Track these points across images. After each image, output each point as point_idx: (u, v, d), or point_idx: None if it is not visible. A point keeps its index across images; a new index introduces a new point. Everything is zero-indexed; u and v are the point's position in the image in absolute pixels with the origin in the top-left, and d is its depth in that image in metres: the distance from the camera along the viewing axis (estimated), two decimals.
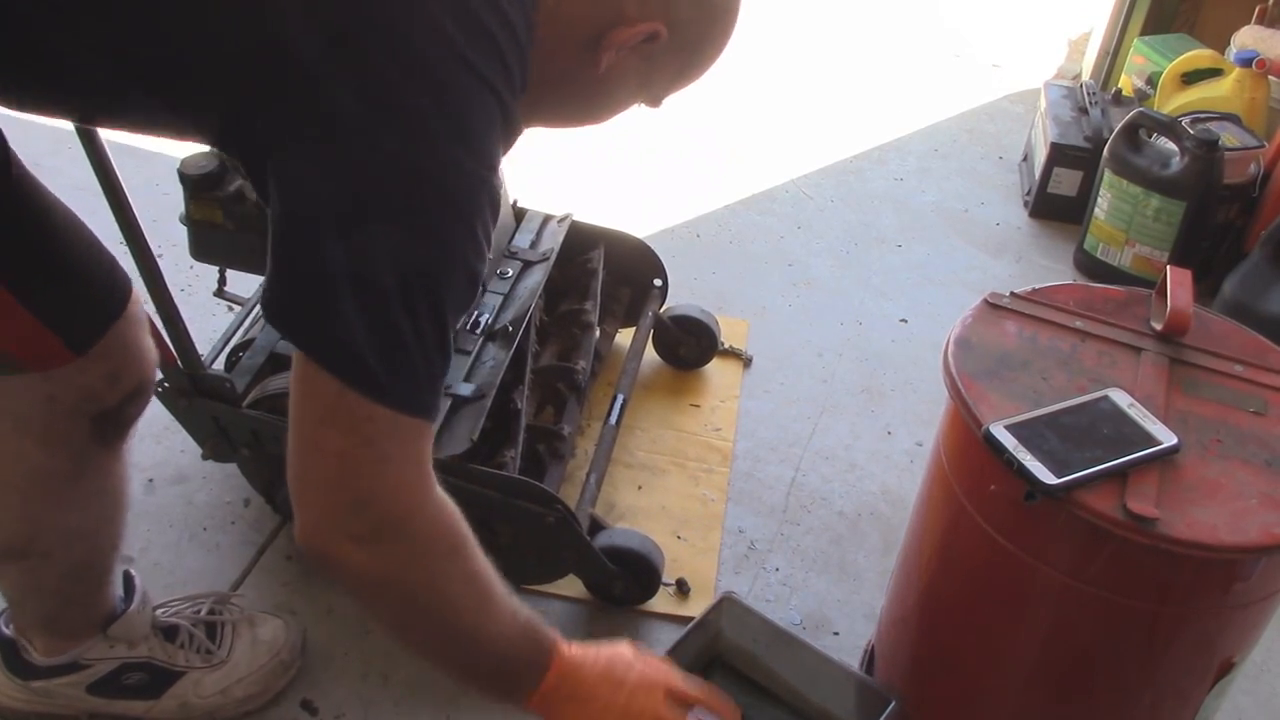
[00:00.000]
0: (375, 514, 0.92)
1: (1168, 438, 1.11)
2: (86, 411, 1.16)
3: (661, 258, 2.00)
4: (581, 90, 1.03)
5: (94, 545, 1.29)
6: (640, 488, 1.84)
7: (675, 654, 1.39)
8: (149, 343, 1.21)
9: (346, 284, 0.86)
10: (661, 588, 1.65)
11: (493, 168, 0.92)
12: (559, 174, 2.61)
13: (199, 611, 1.46)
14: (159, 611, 1.43)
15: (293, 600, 1.59)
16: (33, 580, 1.29)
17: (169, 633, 1.42)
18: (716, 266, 2.41)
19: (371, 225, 0.86)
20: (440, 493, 0.97)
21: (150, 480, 1.73)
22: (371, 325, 0.87)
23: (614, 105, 1.07)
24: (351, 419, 0.89)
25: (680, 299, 2.11)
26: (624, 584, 1.60)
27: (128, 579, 1.39)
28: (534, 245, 1.82)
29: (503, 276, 1.74)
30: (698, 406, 2.02)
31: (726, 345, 2.13)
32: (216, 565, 1.63)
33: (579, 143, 2.74)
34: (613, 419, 1.77)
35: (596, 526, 1.61)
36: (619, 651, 1.13)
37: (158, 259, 1.37)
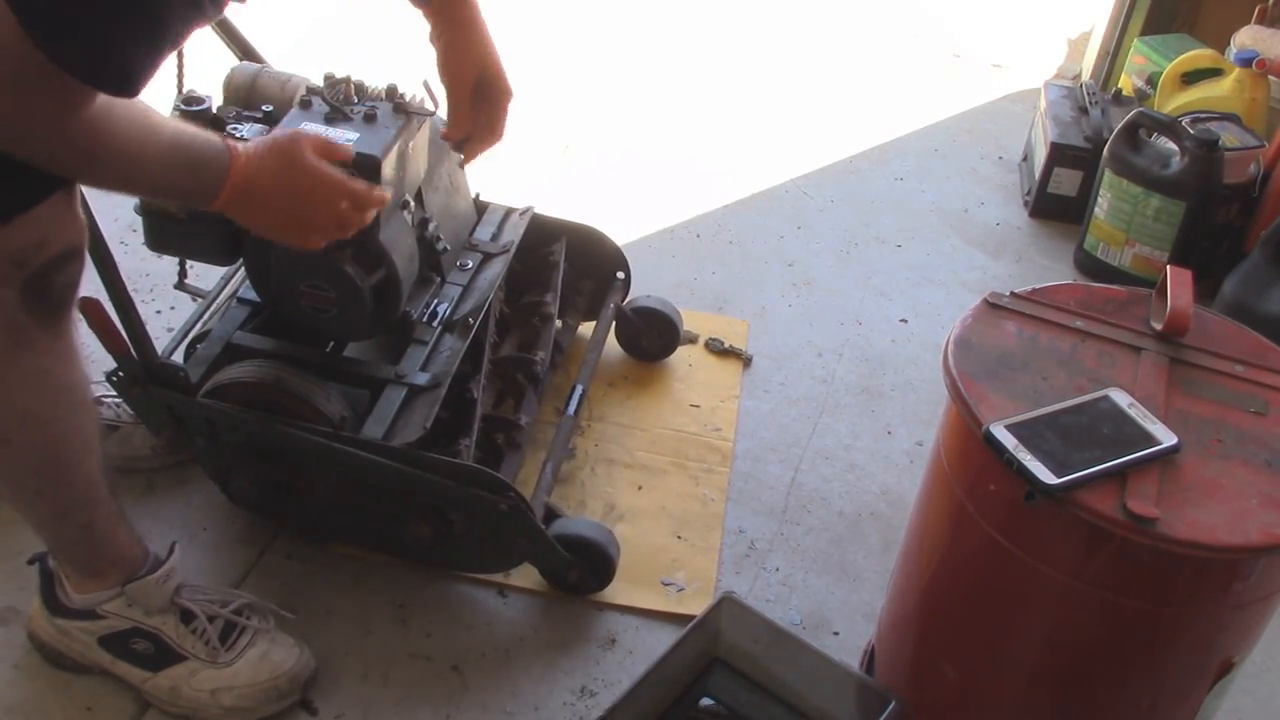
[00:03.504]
0: (49, 148, 1.07)
1: (1168, 438, 1.11)
2: (13, 278, 1.15)
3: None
4: None
5: (54, 436, 1.27)
6: (640, 488, 1.84)
7: (675, 654, 1.39)
8: (78, 210, 1.21)
9: None
10: (662, 587, 1.65)
11: None
12: (559, 174, 2.61)
13: (224, 607, 1.46)
14: (185, 594, 1.45)
15: (293, 600, 1.59)
16: (6, 470, 1.28)
17: (186, 615, 1.43)
18: (716, 266, 2.41)
19: None
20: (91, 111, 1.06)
21: (150, 480, 1.74)
22: None
23: None
24: (18, 62, 0.98)
25: (681, 298, 2.11)
26: (578, 572, 1.60)
27: (171, 552, 1.43)
28: (495, 238, 1.84)
29: (462, 268, 1.75)
30: (698, 406, 2.02)
31: (726, 345, 2.13)
32: (216, 565, 1.63)
33: (579, 143, 2.75)
34: (570, 409, 1.79)
35: (552, 515, 1.62)
36: (296, 161, 1.27)
37: (122, 249, 1.36)
